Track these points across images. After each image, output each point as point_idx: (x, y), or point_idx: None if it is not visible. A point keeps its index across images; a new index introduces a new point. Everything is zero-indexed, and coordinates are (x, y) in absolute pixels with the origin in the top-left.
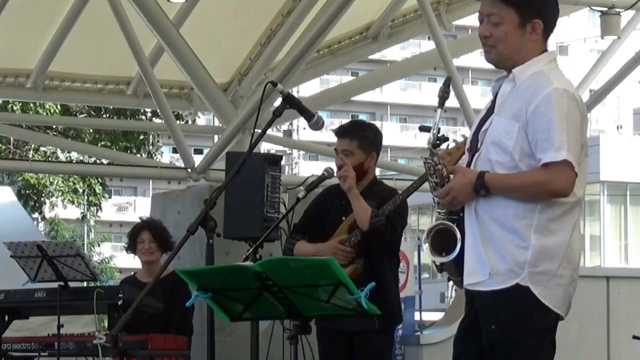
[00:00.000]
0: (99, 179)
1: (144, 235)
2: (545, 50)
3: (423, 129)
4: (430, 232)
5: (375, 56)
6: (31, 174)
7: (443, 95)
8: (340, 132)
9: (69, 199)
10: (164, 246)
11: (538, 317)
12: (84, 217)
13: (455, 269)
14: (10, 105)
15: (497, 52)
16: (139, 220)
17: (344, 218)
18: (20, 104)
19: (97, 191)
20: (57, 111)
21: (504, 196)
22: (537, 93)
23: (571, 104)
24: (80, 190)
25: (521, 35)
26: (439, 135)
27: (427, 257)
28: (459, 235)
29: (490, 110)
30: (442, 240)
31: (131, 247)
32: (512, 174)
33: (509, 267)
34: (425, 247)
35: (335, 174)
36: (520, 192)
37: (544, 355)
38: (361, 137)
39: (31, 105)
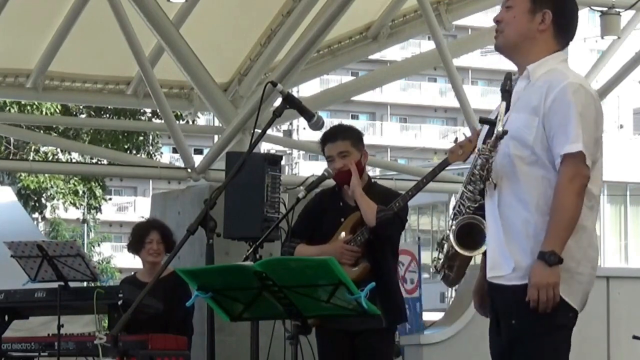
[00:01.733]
0: (99, 182)
1: (154, 235)
2: (559, 50)
3: (484, 120)
4: (458, 225)
5: (375, 56)
6: (31, 178)
7: (507, 89)
8: (330, 136)
9: (70, 201)
10: (169, 248)
11: (560, 313)
12: (84, 219)
13: (464, 270)
14: (8, 108)
15: (503, 36)
16: (143, 220)
17: (342, 219)
18: (18, 105)
19: (97, 194)
20: (58, 111)
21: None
22: (554, 86)
23: (587, 98)
24: (81, 192)
25: (529, 21)
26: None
27: (427, 257)
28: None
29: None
30: (470, 234)
31: (136, 246)
32: (551, 218)
33: (532, 263)
34: (453, 240)
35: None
36: (571, 219)
37: (563, 352)
38: (351, 136)
39: (28, 107)
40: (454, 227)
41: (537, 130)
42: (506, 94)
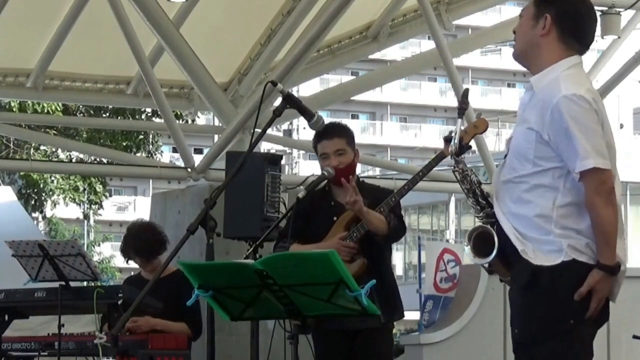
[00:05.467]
0: (100, 178)
1: (136, 260)
2: (570, 55)
3: (447, 139)
4: (471, 235)
5: (375, 56)
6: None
7: (462, 107)
8: (326, 133)
9: (70, 197)
10: (153, 254)
11: (559, 320)
12: (85, 216)
13: (505, 269)
14: (7, 103)
15: (515, 46)
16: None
17: (335, 218)
18: (19, 102)
19: (98, 190)
20: (58, 109)
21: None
22: (548, 103)
23: (583, 106)
24: (81, 189)
25: (532, 27)
26: (461, 144)
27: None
28: (496, 238)
29: None
30: (484, 242)
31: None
32: (595, 234)
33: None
34: (467, 250)
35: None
36: (611, 228)
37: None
38: (346, 134)
39: (29, 104)
40: (466, 240)
41: (535, 144)
42: (460, 111)
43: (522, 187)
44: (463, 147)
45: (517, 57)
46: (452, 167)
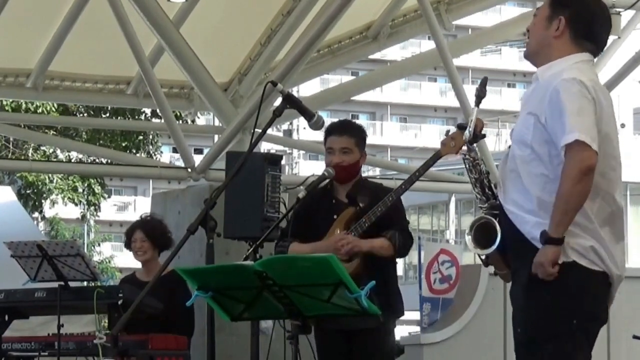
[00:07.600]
0: (98, 179)
1: (137, 234)
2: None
3: (461, 126)
4: (473, 226)
5: (375, 56)
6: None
7: (479, 95)
8: (337, 129)
9: (68, 197)
10: (158, 244)
11: (561, 321)
12: (83, 216)
13: (503, 262)
14: (6, 104)
15: (528, 45)
16: (138, 218)
17: (335, 217)
18: (12, 102)
19: (96, 191)
20: (54, 109)
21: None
22: (548, 88)
23: (580, 89)
24: (80, 189)
25: (546, 27)
26: (475, 132)
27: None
28: (499, 229)
29: None
30: (485, 234)
31: (128, 246)
32: (554, 205)
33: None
34: (468, 240)
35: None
36: (568, 203)
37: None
38: (357, 135)
39: (24, 103)
40: (468, 230)
41: (534, 128)
42: (478, 99)
43: (525, 177)
44: (477, 136)
45: (529, 56)
46: (463, 155)
